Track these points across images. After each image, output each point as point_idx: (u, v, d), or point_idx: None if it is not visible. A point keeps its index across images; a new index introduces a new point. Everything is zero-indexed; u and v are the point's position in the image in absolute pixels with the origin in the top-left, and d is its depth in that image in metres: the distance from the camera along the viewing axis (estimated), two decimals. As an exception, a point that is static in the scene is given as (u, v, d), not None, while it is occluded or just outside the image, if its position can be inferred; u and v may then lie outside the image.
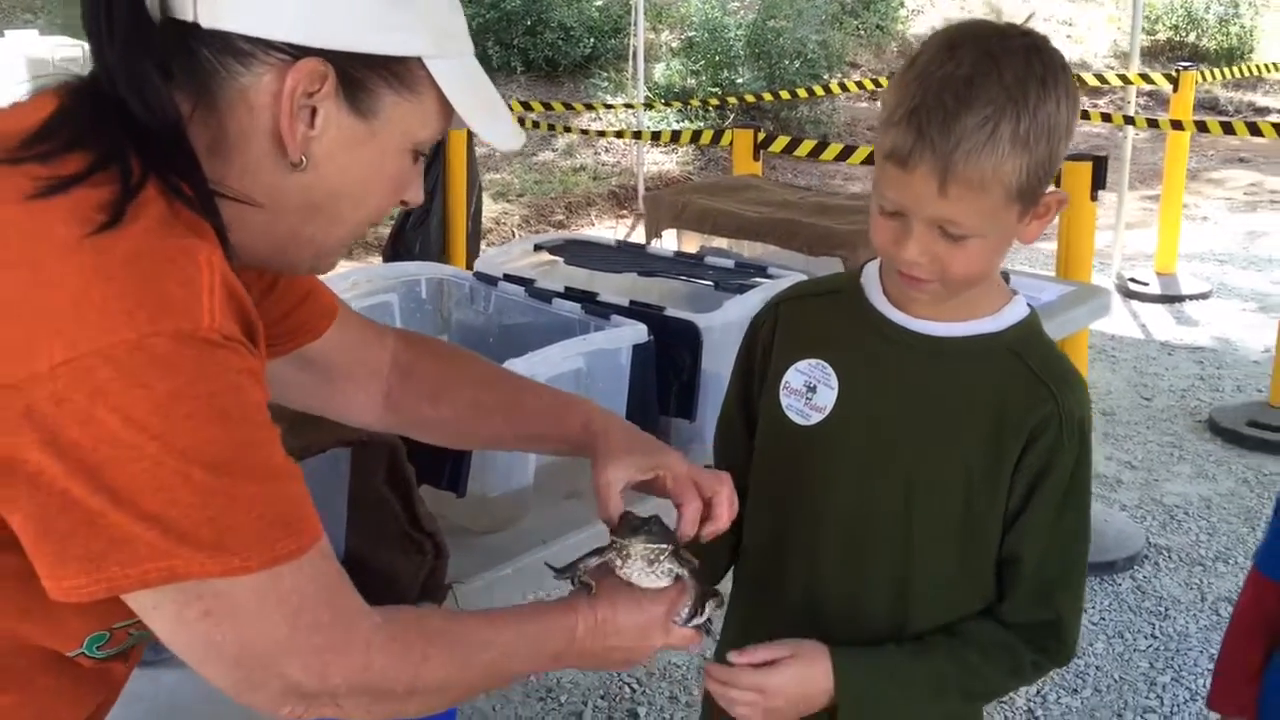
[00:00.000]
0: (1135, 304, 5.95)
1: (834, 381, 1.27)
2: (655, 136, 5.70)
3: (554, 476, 1.76)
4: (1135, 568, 3.46)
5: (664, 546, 1.11)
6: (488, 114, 1.01)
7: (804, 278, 2.05)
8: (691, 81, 9.16)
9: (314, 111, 0.91)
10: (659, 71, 9.25)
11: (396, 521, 1.51)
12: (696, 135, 4.70)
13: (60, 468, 0.77)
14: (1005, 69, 1.07)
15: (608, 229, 7.67)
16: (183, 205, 0.86)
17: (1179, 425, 4.51)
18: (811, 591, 1.30)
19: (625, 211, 8.00)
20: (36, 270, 0.79)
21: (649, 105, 7.67)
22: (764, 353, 1.35)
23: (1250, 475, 4.08)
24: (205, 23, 0.88)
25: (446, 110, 0.98)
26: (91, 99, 0.89)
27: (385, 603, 1.49)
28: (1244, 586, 1.76)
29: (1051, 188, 1.16)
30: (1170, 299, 6.04)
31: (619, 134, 7.21)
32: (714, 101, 8.06)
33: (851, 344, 1.27)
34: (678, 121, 8.69)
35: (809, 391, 1.28)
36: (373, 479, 1.48)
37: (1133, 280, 6.12)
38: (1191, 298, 6.08)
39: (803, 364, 1.30)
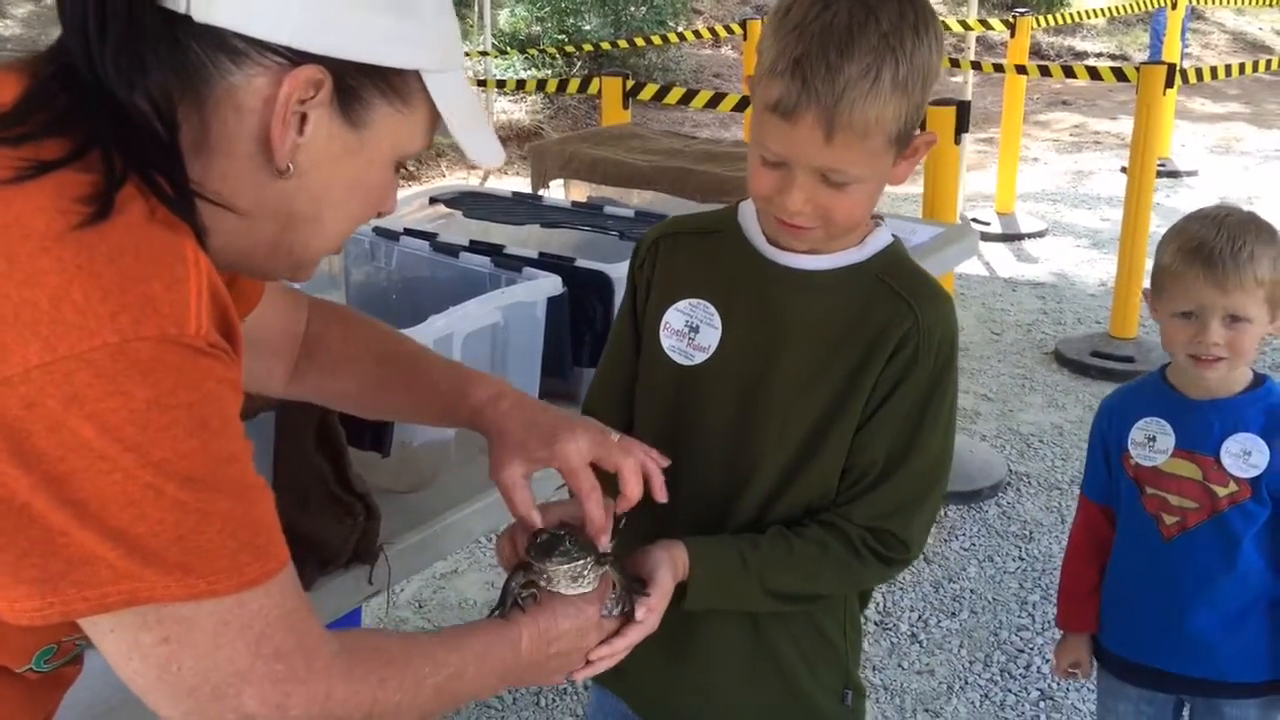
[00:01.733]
0: (979, 244, 6.19)
1: (717, 321, 1.28)
2: (521, 85, 5.58)
3: (471, 433, 1.75)
4: (999, 494, 3.64)
5: (584, 561, 1.09)
6: (474, 130, 0.98)
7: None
8: (537, 28, 9.06)
9: (304, 118, 0.86)
10: (503, 19, 9.11)
11: (325, 485, 1.47)
12: (563, 84, 4.64)
13: (25, 479, 0.72)
14: (882, 17, 1.10)
15: (459, 180, 7.55)
16: (159, 203, 0.80)
17: (1028, 358, 4.74)
18: (692, 506, 1.31)
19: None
20: (12, 264, 0.73)
21: (501, 52, 7.54)
22: (645, 290, 1.35)
23: (1096, 402, 4.27)
24: (198, 16, 0.82)
25: (434, 123, 0.94)
26: (65, 83, 0.82)
27: (313, 568, 1.49)
28: (1075, 516, 1.95)
29: (918, 130, 1.19)
30: (1010, 238, 6.31)
31: (473, 82, 7.06)
32: (557, 50, 7.99)
33: (732, 283, 1.29)
34: (524, 70, 8.58)
35: (691, 331, 1.29)
36: (301, 442, 1.44)
37: (975, 220, 6.36)
38: (1030, 236, 6.37)
39: (683, 304, 1.30)
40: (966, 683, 2.79)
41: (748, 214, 1.30)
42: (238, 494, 0.79)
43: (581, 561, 1.08)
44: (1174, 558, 1.81)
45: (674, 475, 1.30)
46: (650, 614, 1.13)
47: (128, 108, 0.81)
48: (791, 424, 1.25)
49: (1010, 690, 2.76)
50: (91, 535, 0.73)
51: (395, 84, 0.90)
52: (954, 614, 3.05)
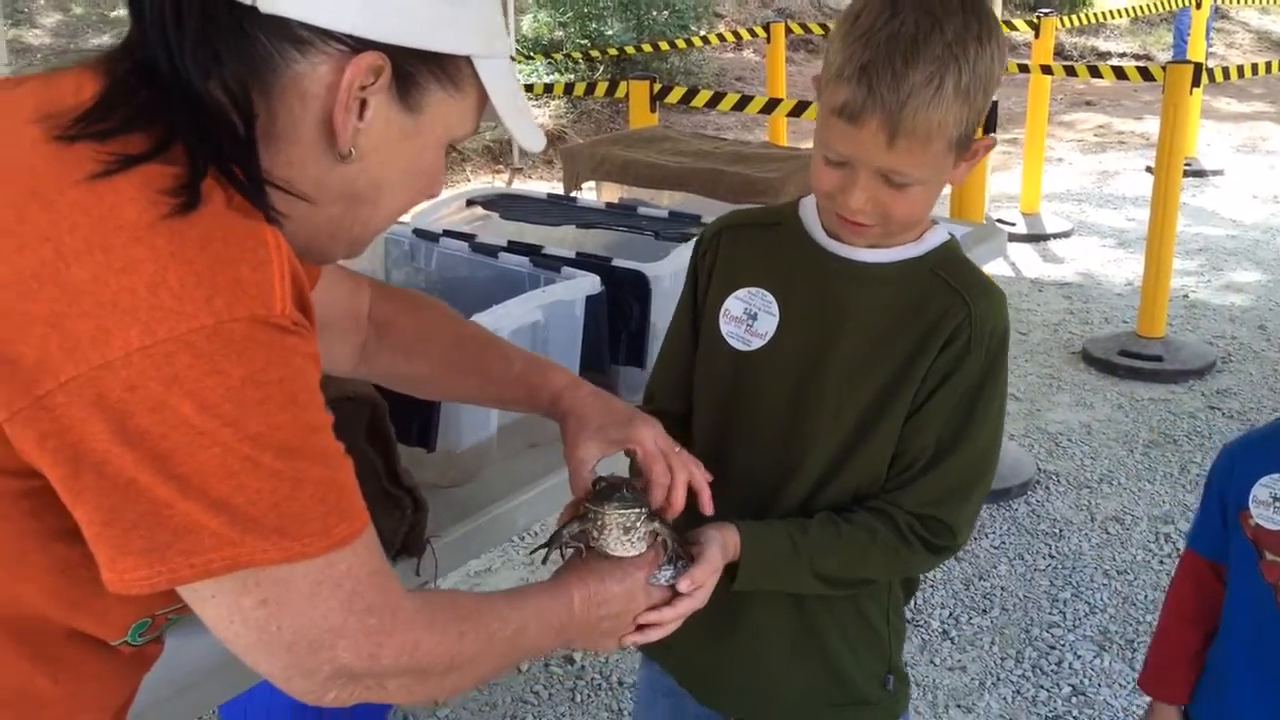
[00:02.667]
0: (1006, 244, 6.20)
1: (775, 309, 1.33)
2: (549, 89, 5.62)
3: (514, 428, 1.79)
4: (1028, 493, 3.65)
5: (638, 510, 1.12)
6: (519, 114, 1.02)
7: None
8: (560, 33, 9.10)
9: (364, 104, 0.90)
10: (526, 24, 9.16)
11: (376, 479, 1.51)
12: (591, 88, 4.68)
13: (130, 456, 0.76)
14: (947, 26, 1.14)
15: (484, 184, 7.60)
16: (236, 192, 0.85)
17: (1055, 358, 4.75)
18: (743, 489, 1.34)
19: (501, 166, 7.94)
20: (108, 254, 0.76)
21: (526, 57, 7.59)
22: (707, 278, 1.40)
23: (1124, 401, 4.32)
24: (264, 8, 0.85)
25: (482, 108, 0.98)
26: (143, 78, 0.86)
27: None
28: (1178, 570, 1.76)
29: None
30: (1036, 238, 6.31)
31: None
32: (581, 55, 8.03)
33: (791, 273, 1.33)
34: (547, 74, 8.63)
35: (749, 319, 1.34)
36: (353, 437, 1.48)
37: (1000, 221, 6.36)
38: (1055, 236, 6.37)
39: (742, 292, 1.35)
40: (998, 679, 2.80)
41: (808, 209, 1.35)
42: (324, 461, 0.84)
43: (636, 511, 1.12)
44: None
45: (726, 458, 1.34)
46: (697, 587, 1.16)
47: (205, 100, 0.84)
48: (844, 410, 1.29)
49: (1042, 686, 2.77)
50: (195, 506, 0.77)
51: (448, 69, 0.94)
52: (985, 611, 3.06)
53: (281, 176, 0.89)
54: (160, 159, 0.81)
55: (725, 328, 1.35)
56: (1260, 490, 1.60)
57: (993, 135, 1.26)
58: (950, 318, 1.26)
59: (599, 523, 1.12)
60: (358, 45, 0.88)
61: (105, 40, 8.79)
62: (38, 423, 0.76)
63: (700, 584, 1.17)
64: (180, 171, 0.81)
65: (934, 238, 1.31)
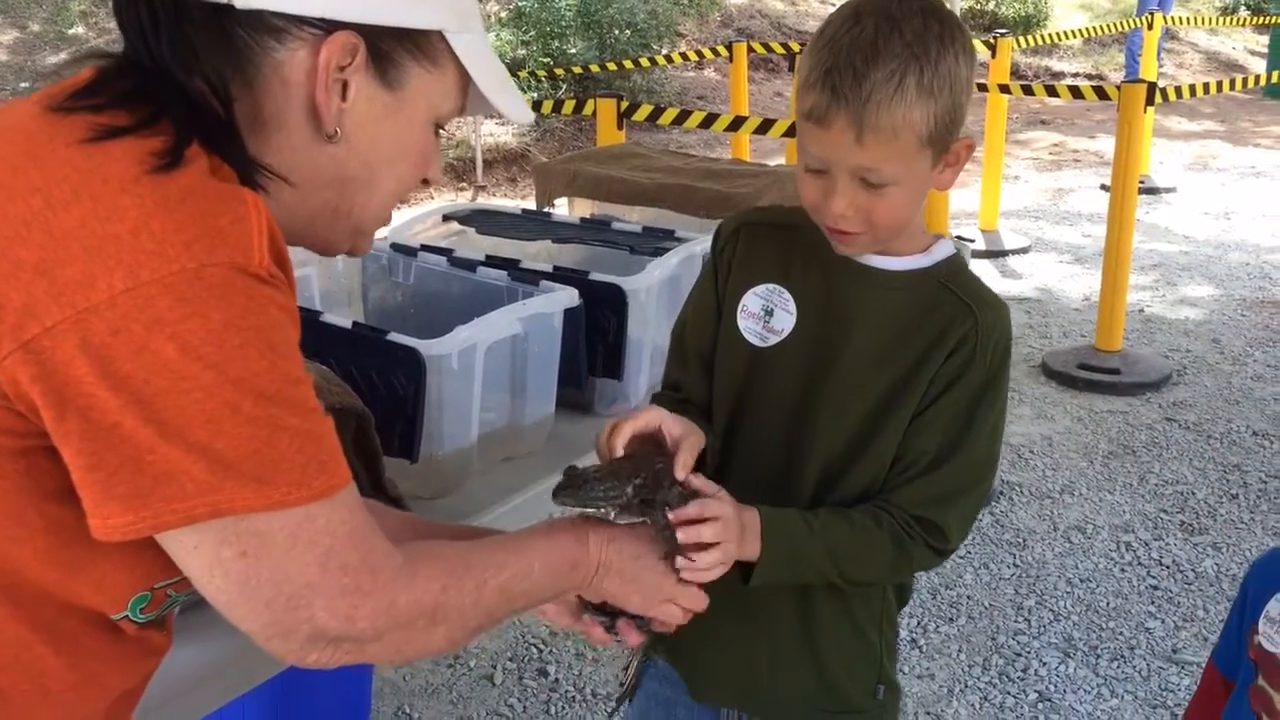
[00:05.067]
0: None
1: (792, 307, 1.36)
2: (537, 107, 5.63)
3: (493, 439, 1.81)
4: (993, 504, 3.71)
5: (606, 509, 1.13)
6: (501, 88, 1.05)
7: (706, 237, 2.15)
8: (523, 51, 9.13)
9: (345, 85, 0.95)
10: (490, 42, 9.19)
11: (361, 489, 1.53)
12: (558, 106, 4.71)
13: (114, 401, 0.78)
14: (906, 28, 1.19)
15: (448, 201, 7.61)
16: (223, 165, 0.89)
17: (1016, 371, 4.82)
18: (749, 482, 1.35)
19: (465, 184, 7.96)
20: (96, 203, 0.80)
21: (486, 76, 7.60)
22: (726, 272, 1.42)
23: (1084, 414, 4.41)
24: (240, 3, 0.90)
25: (464, 84, 1.03)
26: (134, 69, 0.91)
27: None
28: (1200, 683, 1.62)
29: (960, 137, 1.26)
30: (994, 254, 6.41)
31: (457, 106, 7.11)
32: (545, 73, 8.07)
33: (807, 274, 1.36)
34: (512, 92, 8.64)
35: (766, 315, 1.37)
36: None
37: (959, 237, 6.45)
38: (1013, 252, 6.47)
39: (760, 288, 1.37)
40: (966, 686, 2.85)
41: None
42: (304, 413, 0.85)
43: (604, 509, 1.12)
44: None
45: (732, 453, 1.36)
46: (714, 518, 1.16)
47: (188, 90, 0.89)
48: (848, 412, 1.32)
49: (1009, 693, 2.82)
50: (176, 451, 0.79)
51: (424, 46, 0.98)
52: (952, 619, 3.11)
53: (272, 162, 0.94)
54: (148, 131, 0.85)
55: (743, 323, 1.38)
56: (1273, 605, 1.42)
57: (971, 137, 1.29)
58: (957, 327, 1.29)
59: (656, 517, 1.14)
60: (330, 27, 0.93)
61: (63, 58, 8.72)
62: (27, 366, 0.79)
63: (716, 515, 1.17)
64: (166, 140, 0.85)
65: (941, 250, 1.34)
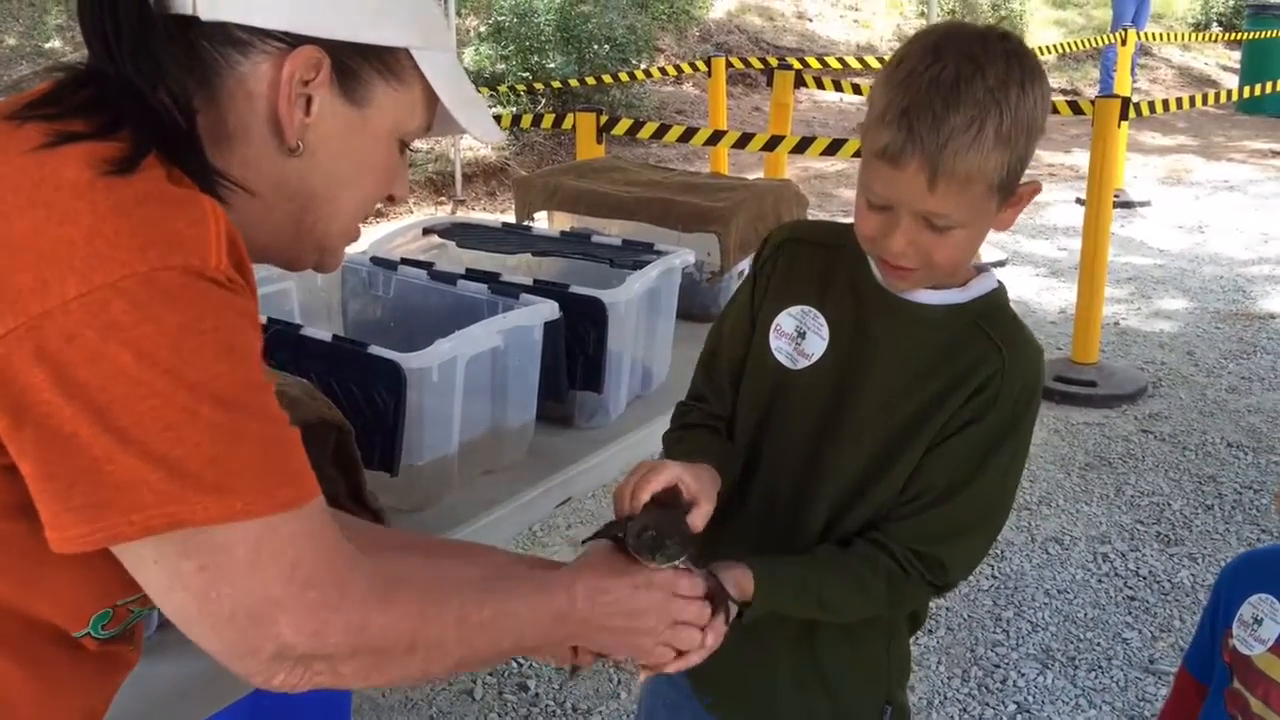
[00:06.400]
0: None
1: (825, 331, 1.34)
2: (495, 120, 5.64)
3: (473, 451, 1.81)
4: (970, 516, 3.72)
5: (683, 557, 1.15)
6: (469, 107, 1.05)
7: (686, 251, 2.16)
8: (501, 66, 9.13)
9: (309, 100, 0.94)
10: (468, 56, 9.19)
11: (337, 501, 1.52)
12: (538, 120, 4.72)
13: (69, 409, 0.77)
14: (989, 72, 1.15)
15: (427, 215, 7.60)
16: (182, 174, 0.88)
17: (993, 384, 4.84)
18: (766, 506, 1.37)
19: (444, 198, 7.94)
20: (49, 209, 0.79)
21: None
22: (765, 287, 1.40)
23: (1060, 426, 4.43)
24: (205, 15, 0.90)
25: (431, 102, 1.02)
26: (95, 79, 0.90)
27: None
28: (1173, 688, 1.67)
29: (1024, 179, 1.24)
30: (972, 267, 6.44)
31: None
32: (524, 87, 8.08)
33: (842, 299, 1.35)
34: (490, 107, 8.65)
35: (799, 337, 1.35)
36: (318, 460, 1.49)
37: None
38: (990, 266, 6.48)
39: (795, 309, 1.36)
40: (945, 698, 2.85)
41: None
42: (267, 420, 0.84)
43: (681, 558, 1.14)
44: None
45: (752, 474, 1.36)
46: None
47: (149, 100, 0.88)
48: (867, 439, 1.31)
49: (988, 704, 2.83)
50: (134, 460, 0.78)
51: (389, 62, 0.98)
52: (931, 631, 3.12)
53: (237, 176, 0.93)
54: (104, 139, 0.85)
55: (774, 343, 1.37)
56: (1246, 609, 1.48)
57: (1037, 181, 1.27)
58: (983, 368, 1.27)
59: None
60: (294, 41, 0.93)
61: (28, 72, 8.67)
62: None
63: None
64: (123, 147, 0.84)
65: (980, 286, 1.32)
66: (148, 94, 0.88)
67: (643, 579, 1.12)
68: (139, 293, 0.78)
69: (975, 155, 1.14)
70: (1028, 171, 1.24)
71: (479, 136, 1.08)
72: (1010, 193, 1.22)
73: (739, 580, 1.24)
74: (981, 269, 1.35)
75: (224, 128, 0.93)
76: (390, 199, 1.07)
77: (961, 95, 1.14)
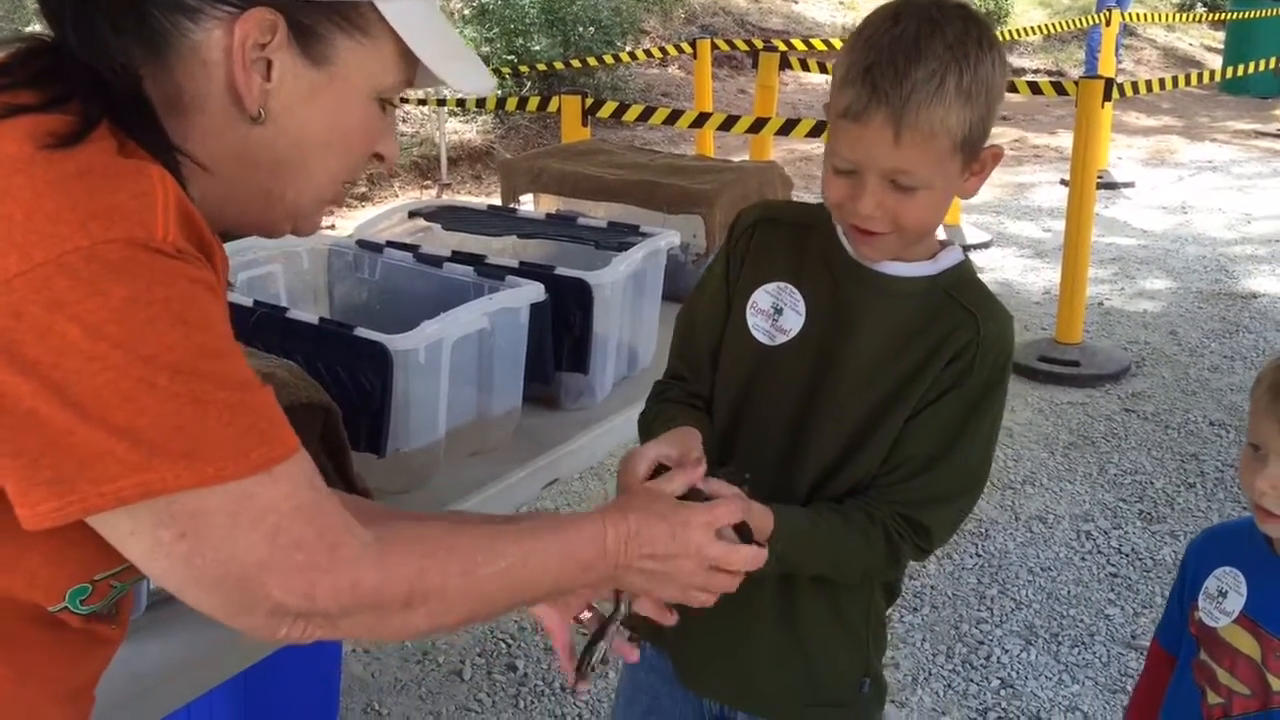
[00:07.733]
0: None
1: (802, 307, 1.37)
2: (481, 104, 5.62)
3: (460, 434, 1.82)
4: (955, 495, 3.75)
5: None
6: (449, 58, 0.99)
7: (671, 233, 2.17)
8: (486, 49, 9.10)
9: (269, 64, 0.90)
10: (453, 39, 9.16)
11: (329, 483, 1.53)
12: (523, 102, 4.72)
13: (25, 386, 0.76)
14: (948, 30, 1.19)
15: (412, 199, 7.59)
16: (136, 146, 0.86)
17: (978, 364, 4.87)
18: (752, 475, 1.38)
19: (429, 181, 7.92)
20: None
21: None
22: (739, 266, 1.42)
23: (1044, 405, 4.47)
24: None
25: (408, 56, 0.97)
26: (53, 52, 0.89)
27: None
28: (1146, 661, 1.71)
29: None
30: (957, 249, 6.46)
31: (421, 101, 7.11)
32: (509, 70, 8.06)
33: (817, 275, 1.37)
34: (476, 88, 8.62)
35: (775, 313, 1.38)
36: (305, 442, 1.50)
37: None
38: (975, 247, 6.52)
39: (770, 286, 1.38)
40: (930, 674, 2.89)
41: None
42: (231, 386, 0.82)
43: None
44: None
45: (733, 447, 1.38)
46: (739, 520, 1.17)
47: (99, 71, 0.87)
48: (848, 412, 1.33)
49: (972, 680, 2.86)
50: (97, 433, 0.77)
51: (351, 17, 0.92)
52: (915, 609, 3.15)
53: (197, 148, 0.91)
54: (52, 111, 0.83)
55: (752, 320, 1.39)
56: (1211, 582, 1.51)
57: (1000, 145, 1.30)
58: (959, 335, 1.30)
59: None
60: (245, 4, 0.89)
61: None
62: None
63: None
64: (70, 120, 0.83)
65: (948, 258, 1.35)
66: (96, 64, 0.86)
67: (680, 519, 1.09)
68: (82, 268, 0.77)
69: (939, 108, 1.18)
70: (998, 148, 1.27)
71: (464, 88, 1.02)
72: (973, 155, 1.25)
73: (759, 520, 1.24)
74: (945, 243, 1.37)
75: (181, 98, 0.90)
76: (380, 158, 1.02)
77: (923, 51, 1.18)
